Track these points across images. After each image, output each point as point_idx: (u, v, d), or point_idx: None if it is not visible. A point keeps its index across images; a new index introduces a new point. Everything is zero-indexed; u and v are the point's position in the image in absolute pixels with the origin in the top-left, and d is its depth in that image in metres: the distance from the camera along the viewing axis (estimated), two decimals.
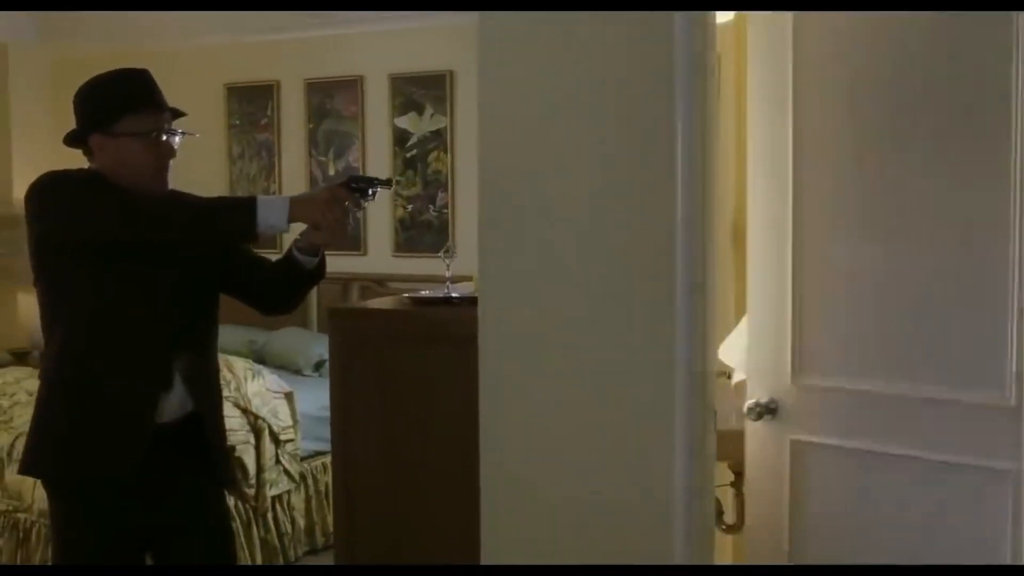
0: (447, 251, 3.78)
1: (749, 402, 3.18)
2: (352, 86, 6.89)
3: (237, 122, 7.19)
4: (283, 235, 3.11)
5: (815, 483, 3.16)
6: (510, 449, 2.98)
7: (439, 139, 6.64)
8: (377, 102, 6.83)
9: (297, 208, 2.71)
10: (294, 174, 7.03)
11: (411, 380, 3.39)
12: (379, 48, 6.77)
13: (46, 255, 2.79)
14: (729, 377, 4.39)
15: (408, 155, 6.74)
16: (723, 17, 3.88)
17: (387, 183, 2.92)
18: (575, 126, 2.87)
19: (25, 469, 2.92)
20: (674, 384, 2.77)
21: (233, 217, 2.70)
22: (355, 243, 6.80)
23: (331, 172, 6.98)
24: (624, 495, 2.85)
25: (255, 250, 3.17)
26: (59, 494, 2.88)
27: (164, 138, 2.85)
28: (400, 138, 6.77)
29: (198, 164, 7.18)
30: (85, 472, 2.79)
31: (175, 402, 2.86)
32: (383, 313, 3.59)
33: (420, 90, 6.67)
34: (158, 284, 2.81)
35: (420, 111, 6.69)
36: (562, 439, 2.92)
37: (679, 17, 2.72)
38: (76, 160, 3.01)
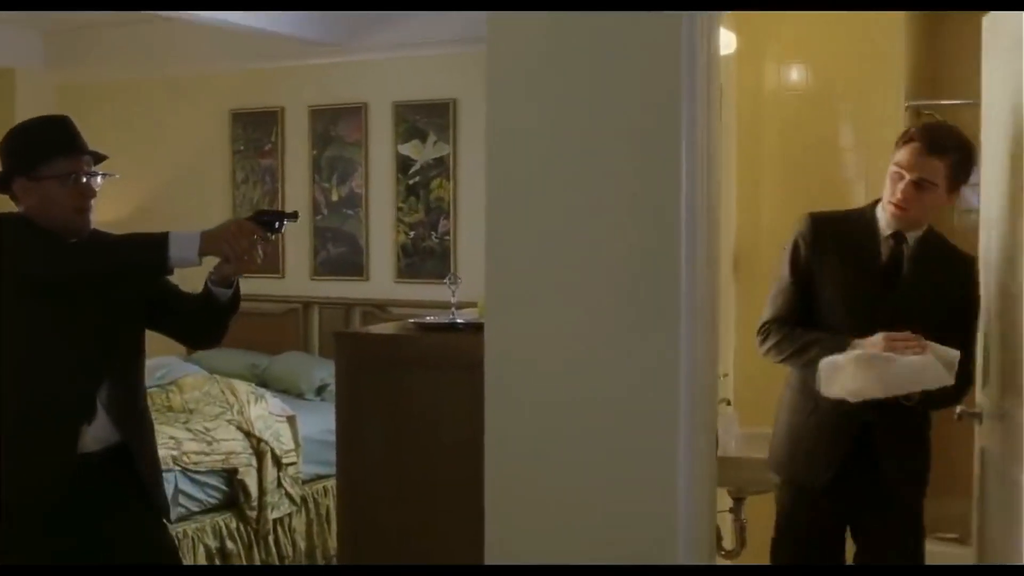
0: (452, 278, 3.82)
1: None
2: (356, 113, 6.95)
3: (241, 148, 7.23)
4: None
5: None
6: (515, 474, 3.01)
7: (442, 166, 6.69)
8: (381, 129, 6.89)
9: (207, 242, 2.83)
10: (297, 200, 7.08)
11: (416, 405, 3.43)
12: (383, 76, 6.83)
13: None
14: (729, 404, 4.44)
15: (411, 182, 6.79)
16: (725, 50, 3.95)
17: (292, 216, 3.07)
18: (580, 151, 2.91)
19: None
20: (677, 409, 2.81)
21: (145, 253, 2.83)
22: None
23: (334, 198, 7.03)
24: (626, 520, 2.88)
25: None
26: None
27: (84, 180, 2.98)
28: (403, 165, 6.82)
29: (202, 190, 7.26)
30: (12, 500, 2.86)
31: (99, 432, 2.95)
32: (389, 338, 3.62)
33: (423, 118, 6.73)
34: (82, 318, 2.92)
35: (423, 138, 6.75)
36: (566, 465, 2.95)
37: (684, 22, 2.78)
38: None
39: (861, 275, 3.19)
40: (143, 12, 6.03)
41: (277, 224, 2.98)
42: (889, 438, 3.19)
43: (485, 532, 3.03)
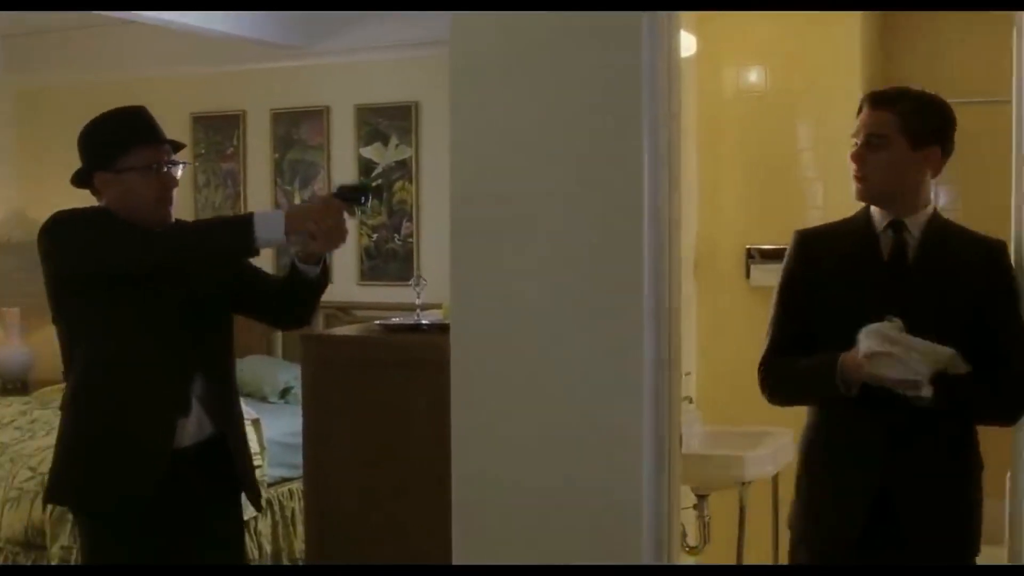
0: (417, 279, 3.85)
1: None
2: (318, 116, 6.95)
3: (203, 151, 7.21)
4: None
5: None
6: (482, 473, 3.02)
7: (404, 169, 6.70)
8: (343, 132, 6.89)
9: (293, 220, 2.79)
10: (260, 203, 7.06)
11: (383, 406, 3.45)
12: (345, 79, 6.84)
13: (60, 292, 2.88)
14: (691, 401, 4.49)
15: (373, 185, 6.80)
16: (684, 52, 3.99)
17: (377, 190, 3.01)
18: (543, 153, 2.94)
19: (49, 498, 3.05)
20: (641, 408, 2.83)
21: (232, 235, 2.79)
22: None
23: (296, 201, 7.02)
24: (592, 516, 2.91)
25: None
26: (84, 521, 2.96)
27: (165, 170, 2.94)
28: (365, 168, 6.82)
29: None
30: (107, 499, 2.86)
31: (194, 426, 2.93)
32: (355, 340, 3.64)
33: (385, 120, 6.74)
34: (168, 311, 2.88)
35: (385, 141, 6.76)
36: (532, 464, 2.97)
37: (645, 23, 2.81)
38: (41, 189, 3.09)
39: (863, 280, 2.80)
40: (102, 16, 6.00)
41: (363, 199, 2.94)
42: (914, 504, 2.73)
43: (452, 531, 3.05)
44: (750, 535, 4.21)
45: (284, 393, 6.39)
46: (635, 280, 2.83)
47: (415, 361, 3.47)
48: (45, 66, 7.50)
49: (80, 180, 2.99)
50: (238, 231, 2.77)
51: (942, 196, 5.43)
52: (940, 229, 2.80)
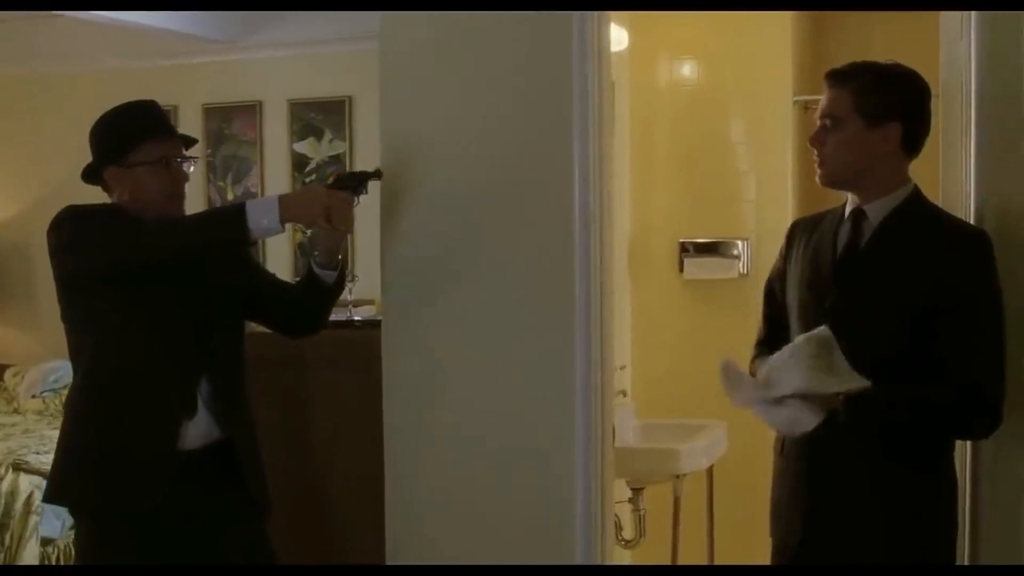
0: (349, 275, 3.82)
1: None
2: (251, 111, 6.87)
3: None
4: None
5: None
6: (415, 469, 3.02)
7: (338, 164, 6.64)
8: (276, 127, 6.82)
9: (290, 208, 2.70)
10: (192, 200, 6.82)
11: (315, 402, 3.43)
12: (277, 73, 6.77)
13: (69, 289, 2.82)
14: (625, 395, 4.50)
15: (307, 180, 6.73)
16: (617, 46, 4.00)
17: (376, 175, 2.93)
18: (474, 149, 2.95)
19: (50, 497, 2.94)
20: (573, 401, 2.84)
21: (225, 224, 2.72)
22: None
23: (229, 197, 6.94)
24: (525, 508, 2.92)
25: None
26: (86, 523, 2.88)
27: (176, 164, 2.89)
28: (299, 163, 6.76)
29: (92, 191, 7.11)
30: (110, 501, 2.79)
31: (201, 428, 2.83)
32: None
33: (319, 115, 6.68)
34: (175, 312, 2.82)
35: (319, 136, 6.70)
36: (465, 459, 2.97)
37: (575, 20, 2.81)
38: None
39: (813, 275, 2.58)
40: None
41: (362, 187, 2.86)
42: (841, 517, 2.51)
43: (385, 528, 3.04)
44: (685, 528, 4.23)
45: None
46: (567, 275, 2.84)
47: (347, 357, 3.45)
48: None
49: (90, 176, 2.92)
50: (230, 221, 2.70)
51: None
52: (908, 216, 2.50)
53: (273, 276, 3.15)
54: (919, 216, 2.50)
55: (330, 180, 2.89)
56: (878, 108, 2.47)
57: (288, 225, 2.73)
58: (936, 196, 2.74)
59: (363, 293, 3.85)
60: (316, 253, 2.95)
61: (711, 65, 5.00)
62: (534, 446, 2.90)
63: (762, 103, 4.85)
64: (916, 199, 2.53)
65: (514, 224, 2.88)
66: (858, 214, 2.54)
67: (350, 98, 6.57)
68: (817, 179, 2.57)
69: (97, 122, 2.92)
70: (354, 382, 3.36)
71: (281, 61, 6.73)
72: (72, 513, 2.99)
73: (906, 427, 2.43)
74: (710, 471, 4.31)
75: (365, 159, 6.46)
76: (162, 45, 6.66)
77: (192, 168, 2.96)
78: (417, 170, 3.00)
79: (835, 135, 2.50)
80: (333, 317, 3.71)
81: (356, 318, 3.62)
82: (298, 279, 3.08)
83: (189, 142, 2.99)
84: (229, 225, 2.70)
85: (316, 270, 2.95)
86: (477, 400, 2.94)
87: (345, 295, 3.79)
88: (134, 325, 2.80)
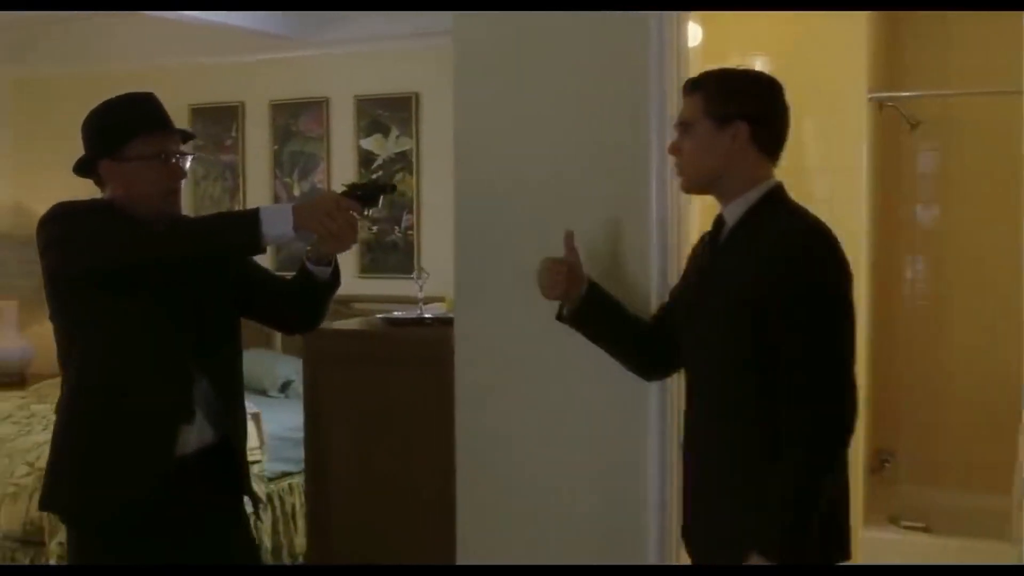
0: (420, 272, 3.81)
1: None
2: (317, 107, 6.91)
3: (201, 143, 7.17)
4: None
5: None
6: (486, 468, 3.00)
7: (404, 161, 6.66)
8: (342, 123, 6.85)
9: (302, 216, 2.63)
10: (259, 196, 7.01)
11: (386, 399, 3.42)
12: (345, 70, 6.79)
13: (58, 288, 2.73)
14: None
15: (373, 176, 6.76)
16: (691, 42, 3.94)
17: (391, 188, 2.84)
18: (549, 147, 2.92)
19: (43, 504, 2.83)
20: (648, 403, 2.82)
21: (237, 231, 2.63)
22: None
23: (296, 193, 6.98)
24: (597, 508, 2.89)
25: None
26: (79, 531, 2.80)
27: (173, 160, 2.78)
28: (365, 159, 6.79)
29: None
30: (103, 508, 2.70)
31: (196, 433, 2.76)
32: (357, 334, 3.61)
33: (386, 112, 6.69)
34: (170, 313, 2.73)
35: (386, 133, 6.71)
36: (537, 458, 2.95)
37: (653, 19, 2.78)
38: (38, 180, 2.95)
39: (684, 280, 2.66)
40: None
41: (375, 199, 2.74)
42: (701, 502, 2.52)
43: (456, 526, 3.03)
44: None
45: (284, 387, 6.35)
46: (643, 274, 2.81)
47: (417, 355, 3.44)
48: (42, 57, 7.46)
49: (83, 168, 2.83)
50: (244, 226, 2.60)
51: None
52: (759, 216, 2.46)
53: (266, 272, 3.04)
54: (766, 215, 2.46)
55: (343, 187, 2.81)
56: (724, 108, 2.48)
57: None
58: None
59: (431, 291, 3.84)
60: (309, 250, 2.86)
61: (783, 61, 4.92)
62: (606, 444, 2.88)
63: (836, 101, 4.77)
64: (770, 198, 2.49)
65: (588, 224, 2.85)
66: (717, 219, 2.55)
67: (417, 94, 6.57)
68: (680, 187, 2.63)
69: (92, 113, 2.83)
70: (426, 379, 3.34)
71: (348, 57, 6.76)
72: (64, 521, 2.86)
73: (809, 499, 2.28)
74: None
75: (432, 155, 6.46)
76: (230, 42, 6.71)
77: (188, 165, 2.84)
78: (490, 169, 2.98)
79: (688, 140, 2.52)
80: (404, 314, 3.72)
81: (427, 315, 3.61)
82: (289, 277, 2.97)
83: (187, 137, 2.89)
84: (242, 231, 2.61)
85: (310, 267, 2.86)
86: (549, 398, 2.92)
87: (415, 291, 3.78)
88: (128, 326, 2.70)
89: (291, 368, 6.22)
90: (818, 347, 2.30)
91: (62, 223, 2.71)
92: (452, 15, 3.05)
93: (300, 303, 2.94)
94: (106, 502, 2.70)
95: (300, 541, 5.47)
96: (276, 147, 7.03)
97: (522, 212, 2.94)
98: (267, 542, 5.52)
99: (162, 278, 2.69)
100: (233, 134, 7.11)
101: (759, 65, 4.96)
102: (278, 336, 6.96)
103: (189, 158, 2.84)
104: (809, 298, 2.31)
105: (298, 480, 5.51)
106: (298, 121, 6.97)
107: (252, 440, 5.48)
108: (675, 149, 2.55)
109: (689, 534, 2.57)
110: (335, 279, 2.90)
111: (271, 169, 7.06)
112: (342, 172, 6.84)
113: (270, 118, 7.03)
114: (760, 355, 2.33)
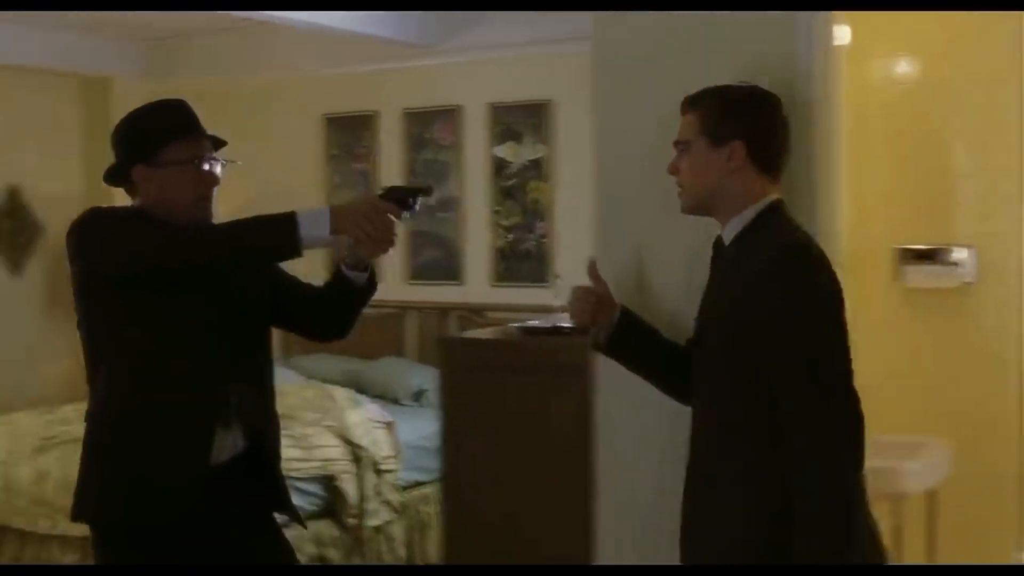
0: (555, 280, 3.76)
1: None
2: (450, 116, 6.92)
3: (335, 152, 7.24)
4: None
5: None
6: (626, 476, 2.94)
7: (537, 168, 6.63)
8: (475, 131, 6.85)
9: (340, 219, 2.61)
10: None
11: (522, 409, 3.39)
12: (477, 78, 6.79)
13: (90, 293, 2.72)
14: None
15: (506, 184, 6.74)
16: (838, 43, 3.82)
17: (427, 191, 2.80)
18: None
19: (74, 515, 2.80)
20: None
21: (274, 234, 2.61)
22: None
23: (429, 202, 7.00)
24: None
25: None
26: (107, 541, 2.76)
27: (206, 166, 2.79)
28: (498, 167, 6.77)
29: (298, 195, 7.26)
30: (135, 518, 2.67)
31: (230, 441, 2.75)
32: (495, 343, 3.59)
33: (518, 119, 6.67)
34: (205, 318, 2.72)
35: (518, 140, 6.69)
36: (679, 466, 2.87)
37: (800, 20, 2.68)
38: None
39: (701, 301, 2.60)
40: (236, 18, 6.05)
41: (411, 201, 2.72)
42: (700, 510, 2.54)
43: (598, 540, 2.96)
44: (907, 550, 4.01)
45: (418, 396, 6.35)
46: None
47: (554, 364, 3.40)
48: (182, 69, 7.61)
49: (114, 176, 2.83)
50: (281, 230, 2.58)
51: None
52: (754, 235, 2.42)
53: (295, 279, 2.98)
54: (760, 233, 2.41)
55: (381, 190, 2.74)
56: (720, 127, 2.45)
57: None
58: None
59: (562, 298, 3.78)
60: (346, 256, 2.82)
61: (931, 62, 4.75)
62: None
63: (987, 102, 4.58)
64: (765, 215, 2.43)
65: None
66: (717, 240, 2.53)
67: (550, 101, 6.54)
68: (680, 208, 2.56)
69: (124, 120, 2.83)
70: (562, 388, 3.29)
71: (480, 65, 6.76)
72: (92, 533, 2.78)
73: (844, 511, 2.23)
74: (932, 495, 4.06)
75: (566, 162, 6.42)
76: (363, 51, 6.76)
77: (221, 170, 2.82)
78: (632, 174, 2.92)
79: (686, 159, 2.49)
80: (540, 323, 3.67)
81: (564, 325, 3.55)
82: (321, 284, 2.93)
83: (218, 144, 2.87)
84: (279, 235, 2.58)
85: (346, 272, 2.81)
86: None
87: (548, 300, 3.73)
88: (160, 333, 2.68)
89: (424, 377, 6.23)
90: (802, 364, 2.27)
91: (98, 226, 2.72)
92: (591, 17, 2.99)
93: (333, 309, 2.91)
94: (138, 512, 2.67)
95: (434, 551, 5.46)
96: (409, 155, 7.06)
97: (663, 219, 2.87)
98: (401, 552, 5.53)
99: (199, 281, 2.68)
100: (366, 143, 7.16)
101: (904, 65, 4.80)
102: (410, 345, 6.98)
103: (221, 164, 2.83)
104: (787, 316, 2.28)
105: (431, 489, 5.52)
106: (431, 129, 6.99)
107: (386, 449, 5.51)
108: (675, 169, 2.52)
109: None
110: (372, 284, 2.87)
111: (405, 177, 7.09)
112: (474, 180, 6.85)
113: (403, 126, 7.06)
114: (750, 371, 2.32)
